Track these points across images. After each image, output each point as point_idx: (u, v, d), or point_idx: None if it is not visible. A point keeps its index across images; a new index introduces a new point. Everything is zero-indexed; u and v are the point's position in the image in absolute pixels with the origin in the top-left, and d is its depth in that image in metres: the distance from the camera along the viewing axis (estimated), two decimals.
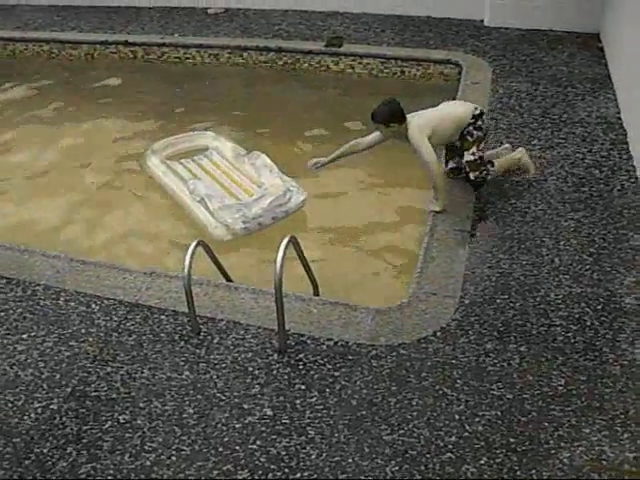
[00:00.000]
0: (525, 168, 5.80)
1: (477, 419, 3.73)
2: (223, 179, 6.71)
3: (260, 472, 3.52)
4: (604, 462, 3.47)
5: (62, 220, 6.43)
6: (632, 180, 5.65)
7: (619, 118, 6.57)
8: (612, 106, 6.80)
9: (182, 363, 4.19)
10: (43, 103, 8.76)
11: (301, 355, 4.20)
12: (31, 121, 8.37)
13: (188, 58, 9.35)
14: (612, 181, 5.67)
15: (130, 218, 6.41)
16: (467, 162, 5.51)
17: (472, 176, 5.54)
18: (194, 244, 4.28)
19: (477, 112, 5.46)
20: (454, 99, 7.17)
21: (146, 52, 9.51)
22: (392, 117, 5.29)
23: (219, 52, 9.20)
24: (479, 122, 5.46)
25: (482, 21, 9.05)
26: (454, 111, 5.54)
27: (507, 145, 6.08)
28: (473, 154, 5.47)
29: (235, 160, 6.98)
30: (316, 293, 4.94)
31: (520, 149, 5.85)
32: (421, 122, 5.34)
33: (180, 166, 6.92)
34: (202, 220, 6.10)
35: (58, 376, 4.16)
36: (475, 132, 5.46)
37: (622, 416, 3.70)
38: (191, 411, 3.87)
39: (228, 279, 5.04)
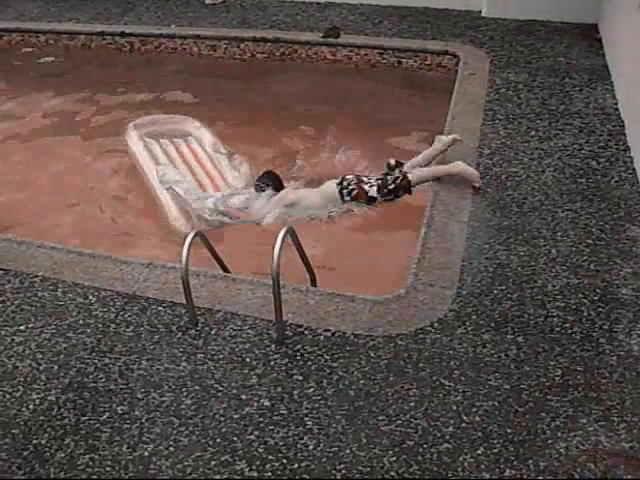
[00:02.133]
0: (469, 179, 5.72)
1: (474, 409, 3.74)
2: (197, 169, 6.76)
3: (258, 462, 3.52)
4: (600, 452, 3.48)
5: None
6: (629, 171, 5.65)
7: (617, 109, 6.57)
8: (610, 97, 6.80)
9: (180, 354, 4.20)
10: None
11: (299, 346, 4.21)
12: None
13: (185, 49, 9.32)
14: (610, 172, 5.67)
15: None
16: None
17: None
18: (191, 235, 4.28)
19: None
20: (452, 91, 7.17)
21: (142, 43, 9.48)
22: None
23: (216, 43, 9.17)
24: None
25: (480, 12, 9.03)
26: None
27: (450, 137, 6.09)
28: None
29: (214, 155, 7.00)
30: (313, 284, 4.94)
31: (456, 163, 5.79)
32: None
33: (157, 146, 6.94)
34: (165, 208, 6.21)
35: (56, 367, 4.16)
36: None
37: (618, 406, 3.71)
38: (189, 402, 3.88)
39: (225, 270, 5.05)
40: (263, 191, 6.18)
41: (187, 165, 6.80)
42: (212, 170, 6.79)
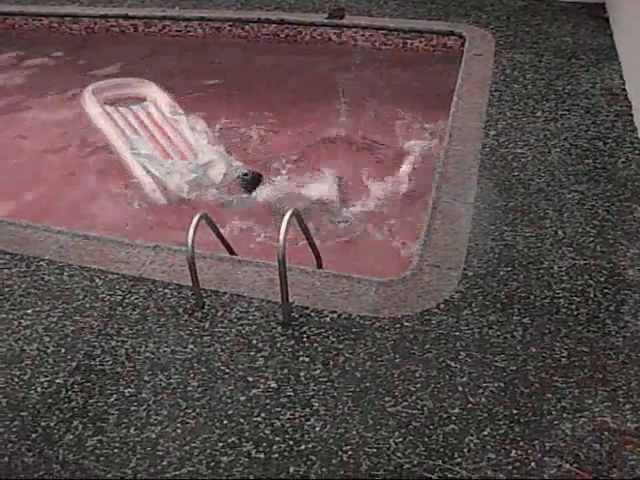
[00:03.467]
0: None
1: (480, 391, 3.75)
2: (159, 136, 6.85)
3: (265, 444, 3.54)
4: (606, 433, 3.49)
5: None
6: (636, 152, 5.62)
7: (624, 89, 6.52)
8: (617, 77, 6.75)
9: (186, 336, 4.21)
10: None
11: (305, 328, 4.22)
12: None
13: (189, 31, 9.27)
14: (616, 153, 5.64)
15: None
16: None
17: None
18: (197, 217, 4.28)
19: None
20: (458, 71, 7.13)
21: (147, 25, 9.43)
22: None
23: (220, 25, 9.12)
24: None
25: None
26: None
27: None
28: None
29: (172, 118, 7.09)
30: (319, 266, 4.94)
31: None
32: None
33: (117, 113, 6.99)
34: (140, 179, 6.34)
35: (63, 350, 4.18)
36: None
37: (624, 387, 3.72)
38: (195, 384, 3.89)
39: (232, 252, 5.05)
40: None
41: (150, 133, 6.87)
42: (175, 136, 6.92)
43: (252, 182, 6.41)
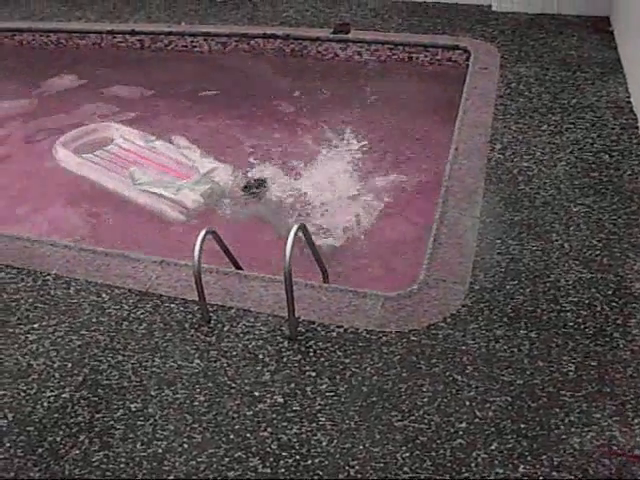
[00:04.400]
0: None
1: (487, 405, 3.74)
2: (150, 164, 6.85)
3: (271, 459, 3.53)
4: (615, 447, 3.47)
5: None
6: None
7: (629, 102, 6.52)
8: (622, 90, 6.75)
9: (193, 351, 4.21)
10: None
11: (311, 342, 4.21)
12: None
13: (195, 46, 9.32)
14: (622, 166, 5.64)
15: None
16: None
17: None
18: (204, 232, 4.29)
19: None
20: (463, 84, 7.14)
21: (153, 41, 9.48)
22: None
23: (226, 40, 9.16)
24: None
25: (490, 6, 8.96)
26: None
27: None
28: None
29: (151, 145, 7.12)
30: (326, 280, 4.94)
31: None
32: None
33: (97, 158, 6.95)
34: (152, 206, 6.33)
35: (70, 365, 4.18)
36: None
37: (633, 401, 3.70)
38: (202, 399, 3.89)
39: (238, 267, 5.05)
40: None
41: (138, 164, 6.84)
42: (162, 158, 6.97)
43: (258, 188, 6.47)
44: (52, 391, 4.02)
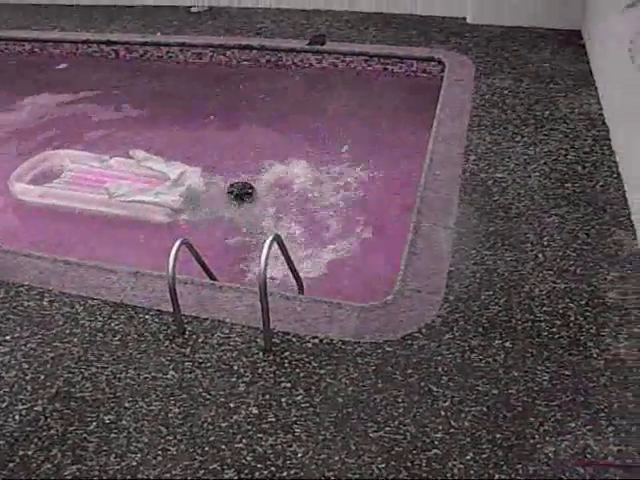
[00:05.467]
0: None
1: (463, 415, 3.74)
2: (118, 179, 6.83)
3: (246, 471, 3.51)
4: (588, 456, 3.49)
5: None
6: (614, 176, 5.68)
7: (601, 114, 6.60)
8: (594, 102, 6.83)
9: (167, 362, 4.18)
10: None
11: (286, 353, 4.20)
12: None
13: (171, 57, 9.31)
14: (595, 177, 5.69)
15: None
16: None
17: None
18: (178, 243, 4.27)
19: None
20: (437, 97, 7.19)
21: (128, 51, 9.45)
22: None
23: (202, 51, 9.16)
24: None
25: (465, 18, 9.06)
26: None
27: None
28: None
29: (107, 164, 7.12)
30: (301, 291, 4.93)
31: None
32: None
33: (57, 185, 6.87)
34: (136, 213, 6.37)
35: (42, 377, 4.14)
36: None
37: (606, 410, 3.72)
38: (177, 410, 3.86)
39: (212, 278, 5.03)
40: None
41: (106, 182, 6.78)
42: (127, 172, 7.01)
43: (241, 192, 6.51)
44: (24, 404, 3.97)
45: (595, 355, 4.07)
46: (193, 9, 10.21)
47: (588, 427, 3.64)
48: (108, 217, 6.42)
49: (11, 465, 3.62)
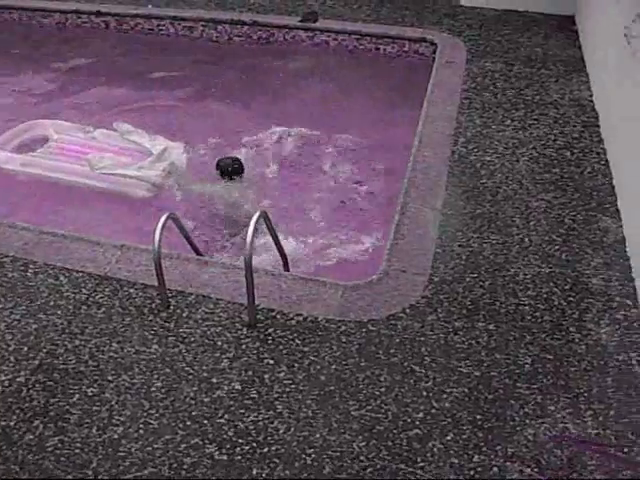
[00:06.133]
0: None
1: (444, 396, 3.77)
2: (101, 152, 6.78)
3: (228, 446, 3.53)
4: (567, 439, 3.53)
5: None
6: (602, 162, 5.70)
7: (591, 101, 6.61)
8: (585, 89, 6.83)
9: (151, 337, 4.18)
10: None
11: (270, 330, 4.21)
12: None
13: (162, 30, 9.22)
14: (583, 163, 5.71)
15: None
16: None
17: None
18: (164, 217, 4.25)
19: None
20: (428, 79, 7.17)
21: (119, 23, 9.36)
22: None
23: (193, 25, 9.08)
24: None
25: (459, 0, 9.02)
26: None
27: None
28: None
29: (91, 136, 7.08)
30: (286, 268, 4.94)
31: None
32: None
33: (40, 155, 6.81)
34: (117, 187, 6.31)
35: (25, 349, 4.13)
36: None
37: (586, 394, 3.76)
38: (159, 385, 3.87)
39: (198, 253, 5.02)
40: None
41: (90, 154, 6.72)
42: (111, 145, 6.96)
43: (229, 167, 6.42)
44: (6, 375, 3.96)
45: (577, 340, 4.10)
46: None
47: (568, 410, 3.68)
48: (89, 189, 6.38)
49: None
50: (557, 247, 4.82)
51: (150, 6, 9.39)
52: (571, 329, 4.18)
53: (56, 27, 9.57)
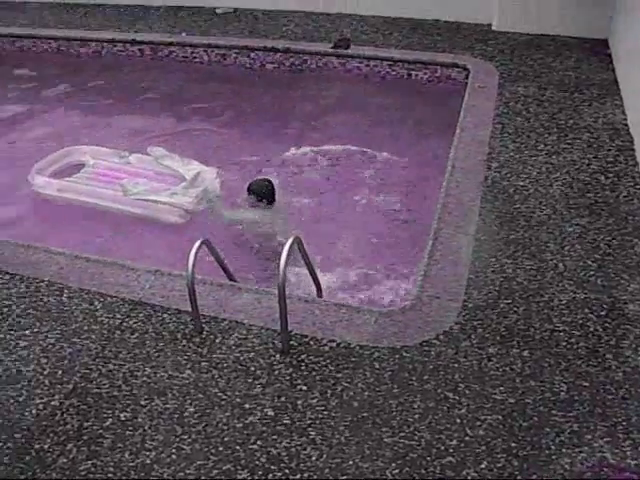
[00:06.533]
0: None
1: (478, 423, 3.72)
2: (135, 177, 6.87)
3: (260, 472, 3.51)
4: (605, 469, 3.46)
5: None
6: (638, 187, 5.63)
7: (626, 125, 6.56)
8: (619, 112, 6.79)
9: (184, 362, 4.19)
10: None
11: (303, 356, 4.20)
12: None
13: (195, 57, 9.36)
14: (618, 187, 5.65)
15: None
16: None
17: None
18: (198, 243, 4.28)
19: None
20: (461, 104, 7.17)
21: (153, 50, 9.51)
22: None
23: (226, 52, 9.20)
24: None
25: (490, 25, 9.04)
26: None
27: None
28: None
29: (126, 161, 7.17)
30: (319, 294, 4.93)
31: None
32: None
33: (76, 180, 6.91)
34: (149, 213, 6.38)
35: (60, 372, 4.16)
36: None
37: (624, 423, 3.69)
38: (192, 410, 3.87)
39: (232, 279, 5.04)
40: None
41: (124, 179, 6.80)
42: (144, 170, 7.05)
43: (262, 189, 6.14)
44: (41, 398, 4.00)
45: (614, 367, 4.03)
46: (218, 10, 10.26)
47: (605, 439, 3.60)
48: (122, 214, 6.45)
49: (27, 458, 3.65)
50: (592, 272, 4.76)
51: (184, 34, 9.54)
52: (608, 356, 4.11)
53: (92, 56, 9.76)
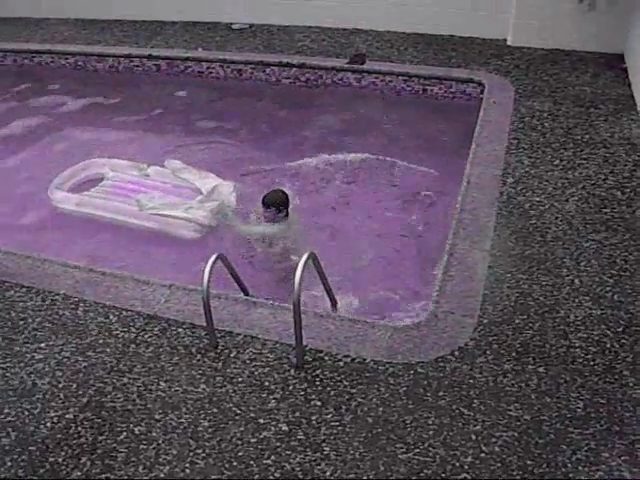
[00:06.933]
0: None
1: (494, 440, 3.70)
2: (152, 190, 6.89)
3: None
4: None
5: None
6: None
7: None
8: (635, 127, 6.76)
9: (199, 376, 4.19)
10: None
11: (318, 371, 4.19)
12: None
13: (211, 72, 9.40)
14: (634, 203, 5.62)
15: None
16: None
17: None
18: (213, 258, 4.29)
19: None
20: (476, 119, 7.17)
21: (169, 65, 9.57)
22: None
23: (242, 67, 9.24)
24: None
25: (505, 40, 9.04)
26: None
27: None
28: None
29: (144, 174, 7.19)
30: (334, 309, 4.93)
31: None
32: None
33: (94, 194, 6.93)
34: (163, 228, 6.39)
35: (75, 386, 4.17)
36: None
37: None
38: (206, 424, 3.87)
39: (246, 293, 5.05)
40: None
41: (140, 192, 6.83)
42: (161, 182, 7.07)
43: (276, 200, 6.05)
44: (56, 411, 4.01)
45: (631, 384, 4.00)
46: (234, 26, 10.32)
47: (623, 458, 3.57)
48: (138, 229, 6.48)
49: (41, 471, 3.65)
50: (609, 288, 4.73)
51: (200, 49, 9.60)
52: (625, 372, 4.08)
53: (109, 71, 9.84)
